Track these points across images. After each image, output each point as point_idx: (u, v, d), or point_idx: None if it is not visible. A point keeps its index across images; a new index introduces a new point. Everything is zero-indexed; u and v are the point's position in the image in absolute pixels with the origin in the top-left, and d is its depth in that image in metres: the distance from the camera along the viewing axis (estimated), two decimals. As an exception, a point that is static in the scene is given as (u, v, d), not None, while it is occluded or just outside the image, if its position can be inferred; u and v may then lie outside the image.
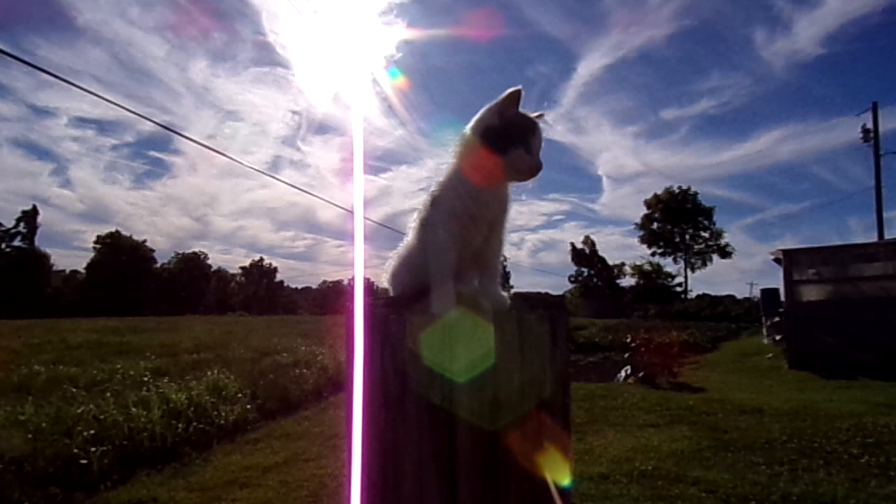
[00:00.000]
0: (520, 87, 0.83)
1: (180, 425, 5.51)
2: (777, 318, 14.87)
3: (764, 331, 17.36)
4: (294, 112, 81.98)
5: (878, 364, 9.71)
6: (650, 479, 4.10)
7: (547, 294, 0.81)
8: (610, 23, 75.80)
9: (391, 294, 0.89)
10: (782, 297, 12.80)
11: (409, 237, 0.91)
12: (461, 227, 0.81)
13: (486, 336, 0.65)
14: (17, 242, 51.25)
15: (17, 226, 51.32)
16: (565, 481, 0.68)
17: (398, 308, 0.71)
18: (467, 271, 0.86)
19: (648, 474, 4.21)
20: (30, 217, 52.32)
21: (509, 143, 0.82)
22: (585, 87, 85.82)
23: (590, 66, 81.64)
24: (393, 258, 0.92)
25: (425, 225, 0.86)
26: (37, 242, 52.90)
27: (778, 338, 13.96)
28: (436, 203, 0.85)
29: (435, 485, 0.62)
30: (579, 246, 61.32)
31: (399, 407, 0.64)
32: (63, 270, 59.36)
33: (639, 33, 75.93)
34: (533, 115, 0.87)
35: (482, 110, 0.86)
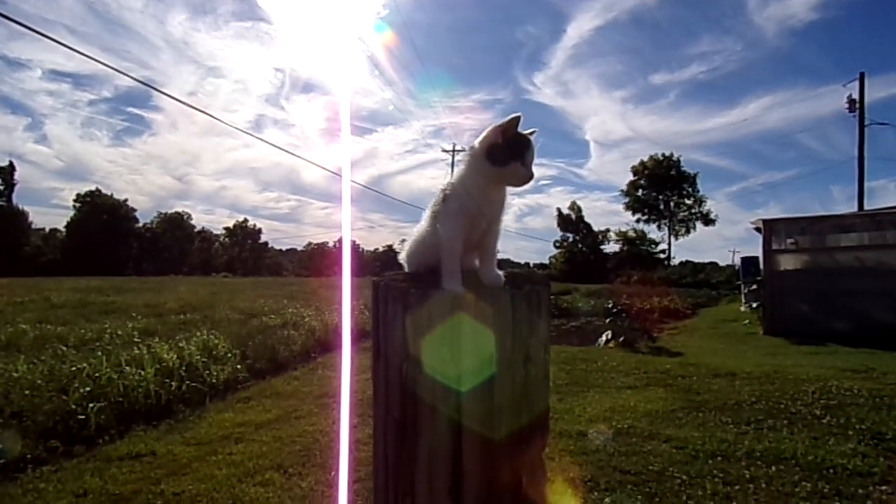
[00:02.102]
0: (519, 114, 1.01)
1: (173, 383, 5.65)
2: (755, 286, 15.29)
3: (742, 297, 17.82)
4: (277, 69, 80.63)
5: (850, 332, 10.10)
6: (625, 437, 4.35)
7: (533, 273, 0.96)
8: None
9: (406, 270, 1.09)
10: (761, 265, 13.14)
11: (423, 224, 1.10)
12: (466, 222, 0.99)
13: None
14: (-6, 199, 50.31)
15: (-7, 182, 50.32)
16: (545, 422, 0.84)
17: (415, 283, 0.86)
18: (470, 256, 1.05)
19: (624, 432, 4.46)
20: (7, 174, 51.36)
21: (509, 157, 1.00)
22: (575, 50, 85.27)
23: (580, 27, 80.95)
24: (408, 241, 1.12)
25: (438, 217, 1.03)
26: (14, 199, 51.99)
27: (755, 305, 14.39)
28: (447, 200, 1.03)
29: (444, 422, 0.77)
30: (565, 211, 61.74)
31: (417, 363, 0.79)
32: (42, 228, 58.59)
33: (630, -7, 74.85)
34: (527, 132, 1.04)
35: (488, 129, 1.04)
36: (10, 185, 51.52)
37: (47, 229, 59.28)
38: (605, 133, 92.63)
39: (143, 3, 70.22)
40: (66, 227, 56.47)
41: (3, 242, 47.01)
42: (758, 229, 13.21)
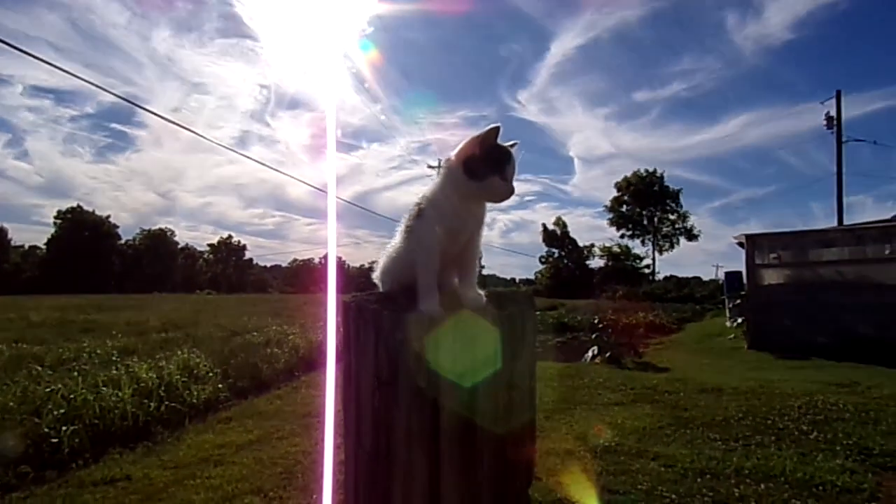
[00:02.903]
0: (498, 124, 0.95)
1: (152, 404, 5.50)
2: (739, 301, 15.38)
3: (727, 312, 17.92)
4: (262, 86, 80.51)
5: (833, 346, 10.16)
6: (613, 455, 4.29)
7: (517, 292, 0.90)
8: (583, 2, 75.76)
9: (381, 289, 1.00)
10: (745, 280, 13.23)
11: (397, 240, 1.02)
12: (443, 237, 0.92)
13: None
14: (-27, 216, 49.43)
15: (-28, 199, 49.45)
16: (529, 451, 0.78)
17: (389, 305, 0.79)
18: (448, 273, 0.97)
19: (611, 450, 4.40)
20: (-14, 190, 50.43)
21: (487, 170, 0.93)
22: (558, 68, 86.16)
23: (563, 45, 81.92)
24: (382, 258, 1.03)
25: (412, 233, 0.96)
26: (-6, 217, 51.09)
27: (740, 320, 14.45)
28: (422, 214, 0.96)
29: (422, 454, 0.71)
30: (550, 227, 62.04)
31: (390, 390, 0.72)
32: (21, 246, 57.63)
33: (612, 14, 76.22)
34: (508, 144, 0.99)
35: (465, 140, 0.97)
36: (-10, 202, 50.63)
37: (27, 246, 58.38)
38: (589, 149, 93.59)
39: (126, 20, 69.90)
40: (47, 244, 55.65)
41: (-19, 260, 46.13)
42: (741, 244, 13.32)
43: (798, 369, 8.66)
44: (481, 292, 0.92)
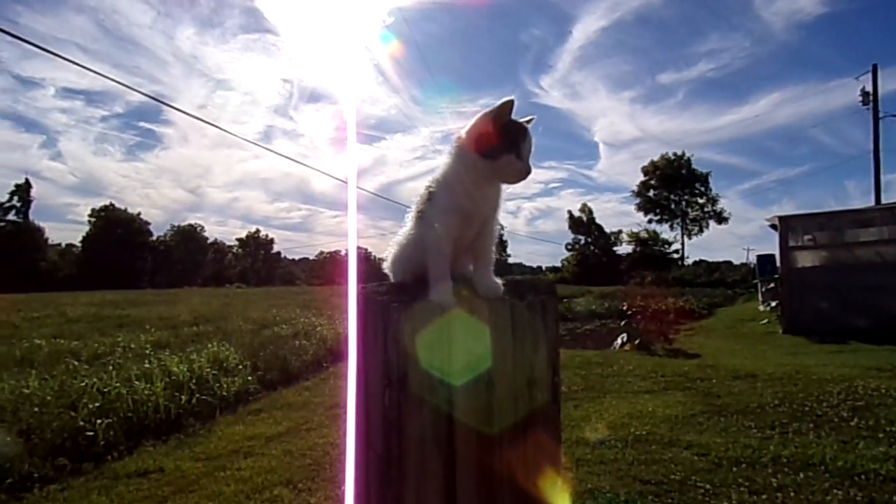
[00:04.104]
0: (512, 97, 0.88)
1: (183, 397, 5.59)
2: (772, 284, 15.00)
3: (759, 296, 17.52)
4: (285, 80, 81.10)
5: (871, 329, 9.85)
6: (644, 444, 4.20)
7: (538, 280, 0.84)
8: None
9: (391, 280, 0.95)
10: (778, 263, 12.89)
11: (408, 227, 0.97)
12: (456, 222, 0.87)
13: (484, 337, 0.69)
14: (11, 216, 51.03)
15: (10, 200, 51.10)
16: (554, 454, 0.72)
17: (399, 296, 0.75)
18: (463, 261, 0.93)
19: (643, 439, 4.31)
20: (23, 191, 52.03)
21: (501, 148, 0.87)
22: (581, 51, 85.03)
23: (585, 28, 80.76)
24: (392, 246, 0.98)
25: (423, 218, 0.91)
26: (31, 216, 52.67)
27: (773, 304, 14.09)
28: (433, 199, 0.91)
29: (436, 457, 0.66)
30: (576, 214, 61.56)
31: (402, 387, 0.68)
32: (58, 244, 59.30)
33: (636, -7, 74.51)
34: (523, 119, 0.93)
35: (477, 116, 0.91)
36: (27, 202, 52.18)
37: (63, 244, 60.05)
38: (613, 134, 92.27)
39: (151, 20, 71.24)
40: (82, 241, 57.16)
41: (21, 259, 47.60)
42: (773, 226, 12.95)
43: (836, 354, 8.40)
44: (498, 280, 0.87)
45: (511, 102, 0.88)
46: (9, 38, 6.86)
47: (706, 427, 4.60)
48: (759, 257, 18.80)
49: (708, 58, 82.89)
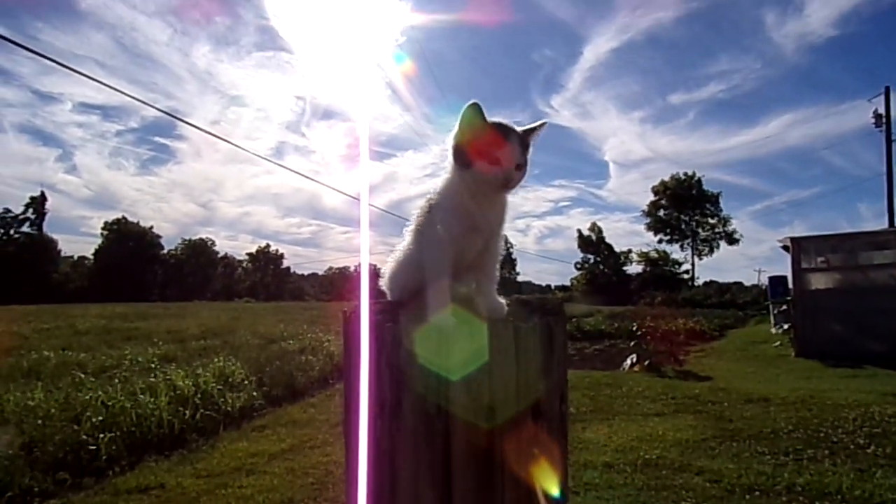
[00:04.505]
0: (476, 101, 0.83)
1: (187, 412, 5.55)
2: (785, 306, 14.80)
3: (771, 318, 17.28)
4: (298, 97, 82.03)
5: (887, 353, 9.64)
6: (654, 469, 4.10)
7: (545, 299, 0.80)
8: (617, 5, 74.92)
9: (389, 297, 0.90)
10: (790, 285, 12.71)
11: (406, 242, 0.92)
12: (457, 234, 0.82)
13: (480, 334, 0.65)
14: (25, 228, 51.64)
15: (25, 212, 51.72)
16: (555, 491, 0.67)
17: (394, 315, 0.70)
18: (465, 278, 0.87)
19: (652, 463, 4.21)
20: (38, 203, 52.67)
21: (472, 156, 0.82)
22: (592, 72, 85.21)
23: (596, 49, 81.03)
24: (390, 261, 0.93)
25: (422, 233, 0.86)
26: (45, 228, 53.24)
27: (786, 326, 13.88)
28: (433, 210, 0.86)
29: (430, 491, 0.61)
30: (586, 233, 61.28)
31: (395, 415, 0.63)
32: (71, 256, 59.87)
33: (646, 15, 75.25)
34: (532, 125, 0.88)
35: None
36: (41, 215, 52.77)
37: (76, 257, 60.60)
38: (624, 153, 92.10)
39: (168, 37, 72.46)
40: (94, 254, 57.62)
41: (34, 270, 48.03)
42: (786, 248, 12.80)
43: (850, 378, 8.23)
44: (502, 300, 0.82)
45: (474, 106, 0.83)
46: (29, 53, 6.97)
47: (718, 452, 4.49)
48: (771, 279, 18.57)
49: (718, 79, 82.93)
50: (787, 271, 12.99)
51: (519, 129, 0.89)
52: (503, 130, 0.85)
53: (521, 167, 0.86)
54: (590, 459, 4.28)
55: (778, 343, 13.31)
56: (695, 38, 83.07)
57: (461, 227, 0.82)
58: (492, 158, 0.81)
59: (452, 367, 0.61)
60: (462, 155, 0.83)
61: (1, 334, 13.32)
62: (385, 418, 0.63)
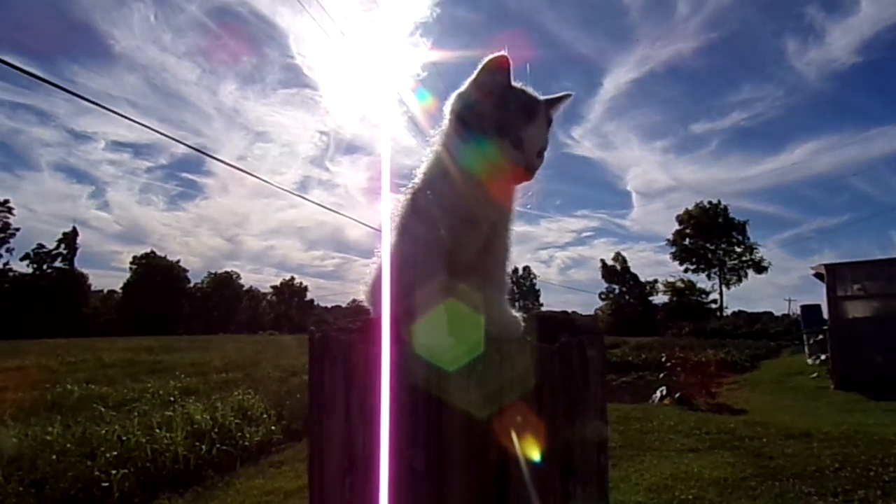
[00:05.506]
0: (504, 52, 0.62)
1: (203, 447, 5.43)
2: (821, 336, 14.25)
3: (806, 349, 16.70)
4: (322, 132, 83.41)
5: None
6: (691, 510, 3.84)
7: (575, 315, 0.62)
8: (635, 37, 75.41)
9: (372, 314, 0.72)
10: (825, 314, 12.24)
11: (391, 241, 0.72)
12: (449, 228, 0.63)
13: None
14: (57, 263, 52.81)
15: (58, 247, 52.97)
16: None
17: (371, 335, 0.52)
18: (469, 283, 0.66)
19: (689, 504, 3.95)
20: (70, 239, 53.99)
21: (490, 130, 0.61)
22: (612, 102, 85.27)
23: (616, 80, 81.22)
24: (372, 268, 0.75)
25: (404, 233, 0.67)
26: (76, 263, 54.44)
27: (823, 357, 13.35)
28: (416, 202, 0.66)
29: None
30: (610, 263, 60.57)
31: (367, 468, 0.46)
32: (101, 290, 61.00)
33: (665, 47, 75.25)
34: (557, 95, 0.69)
35: (467, 83, 0.66)
36: (73, 250, 53.98)
37: (105, 291, 61.70)
38: (647, 183, 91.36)
39: (197, 77, 74.82)
40: (123, 288, 58.57)
41: (65, 305, 48.94)
42: (818, 275, 12.39)
43: (896, 412, 7.78)
44: (516, 314, 0.63)
45: (501, 60, 0.62)
46: (66, 94, 7.16)
47: (760, 492, 4.20)
48: (804, 308, 18.05)
49: (741, 107, 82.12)
50: (819, 300, 12.60)
51: (542, 98, 0.69)
52: (531, 102, 0.66)
53: (542, 151, 0.67)
54: (621, 500, 4.03)
55: (815, 374, 12.78)
56: (716, 68, 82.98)
57: (453, 217, 0.63)
58: (514, 138, 0.62)
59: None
60: (470, 125, 0.62)
61: (29, 368, 13.45)
62: (356, 475, 0.46)
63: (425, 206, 0.65)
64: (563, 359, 0.50)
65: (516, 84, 0.67)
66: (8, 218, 49.91)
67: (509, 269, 0.69)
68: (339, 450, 0.47)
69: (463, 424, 0.45)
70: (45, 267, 52.36)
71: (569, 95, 0.71)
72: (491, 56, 0.62)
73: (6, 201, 50.47)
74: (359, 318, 0.65)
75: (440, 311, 0.56)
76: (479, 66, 0.63)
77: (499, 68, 0.63)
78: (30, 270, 51.35)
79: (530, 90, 0.68)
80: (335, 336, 0.52)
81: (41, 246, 52.70)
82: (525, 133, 0.62)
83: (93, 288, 58.53)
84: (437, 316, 0.56)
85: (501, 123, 0.61)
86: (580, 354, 0.53)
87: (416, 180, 0.70)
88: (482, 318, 0.51)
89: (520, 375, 0.47)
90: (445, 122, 0.68)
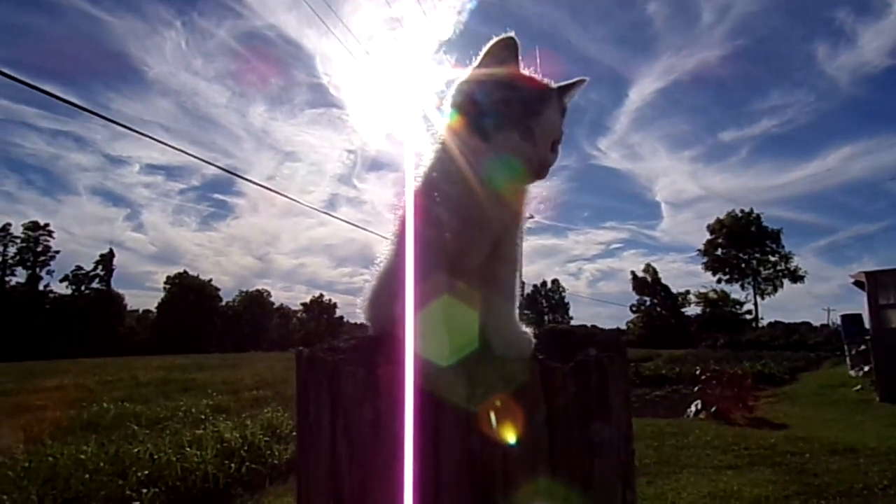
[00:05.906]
0: (511, 34, 0.57)
1: (233, 465, 5.44)
2: (863, 347, 13.75)
3: (848, 360, 16.10)
4: (349, 150, 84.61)
5: None
6: (731, 531, 3.69)
7: (595, 329, 0.57)
8: (660, 47, 74.93)
9: (370, 330, 0.66)
10: (867, 324, 11.82)
11: (388, 253, 0.68)
12: (453, 230, 0.57)
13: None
14: (95, 284, 54.32)
15: (95, 269, 54.54)
16: None
17: (362, 356, 0.48)
18: (468, 297, 0.59)
19: (729, 524, 3.80)
20: (107, 260, 55.52)
21: (497, 121, 0.55)
22: (638, 113, 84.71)
23: (642, 91, 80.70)
24: (371, 281, 0.69)
25: (401, 236, 0.61)
26: (113, 284, 55.92)
27: (866, 368, 12.85)
28: (416, 201, 0.61)
29: None
30: (640, 274, 59.75)
31: None
32: (136, 310, 62.46)
33: (691, 55, 74.65)
34: (570, 81, 0.63)
35: (471, 68, 0.60)
36: (110, 271, 55.50)
37: (140, 310, 63.15)
38: (675, 193, 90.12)
39: (227, 100, 77.02)
40: (157, 307, 59.89)
41: (102, 325, 50.26)
42: (858, 283, 11.99)
43: (948, 425, 7.42)
44: (527, 329, 0.56)
45: (505, 42, 0.57)
46: (102, 120, 7.39)
47: (804, 511, 4.02)
48: (844, 318, 17.48)
49: (771, 114, 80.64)
50: (860, 309, 12.17)
51: (555, 85, 0.63)
52: (542, 88, 0.60)
53: (556, 144, 0.61)
54: (657, 519, 3.90)
55: (859, 387, 12.30)
56: (743, 75, 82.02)
57: (458, 218, 0.57)
58: (524, 130, 0.56)
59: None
60: (474, 116, 0.57)
61: (67, 387, 13.78)
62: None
63: (426, 205, 0.59)
64: (578, 380, 0.44)
65: (525, 70, 0.62)
66: (48, 241, 51.73)
67: (521, 279, 0.63)
68: (324, 487, 0.42)
69: (460, 467, 0.40)
70: (83, 288, 53.94)
71: (583, 80, 0.65)
72: (497, 38, 0.57)
73: (46, 225, 52.38)
74: (353, 336, 0.60)
75: (434, 308, 0.52)
76: (484, 50, 0.58)
77: (506, 51, 0.58)
78: (69, 292, 53.03)
79: (537, 77, 0.63)
80: (321, 357, 0.47)
81: (79, 268, 54.40)
82: (536, 123, 0.57)
83: (128, 308, 60.02)
84: (430, 312, 0.52)
85: (509, 113, 0.56)
86: (601, 374, 0.46)
87: (420, 172, 0.66)
88: (476, 315, 0.46)
89: (530, 400, 0.42)
90: (448, 114, 0.63)
